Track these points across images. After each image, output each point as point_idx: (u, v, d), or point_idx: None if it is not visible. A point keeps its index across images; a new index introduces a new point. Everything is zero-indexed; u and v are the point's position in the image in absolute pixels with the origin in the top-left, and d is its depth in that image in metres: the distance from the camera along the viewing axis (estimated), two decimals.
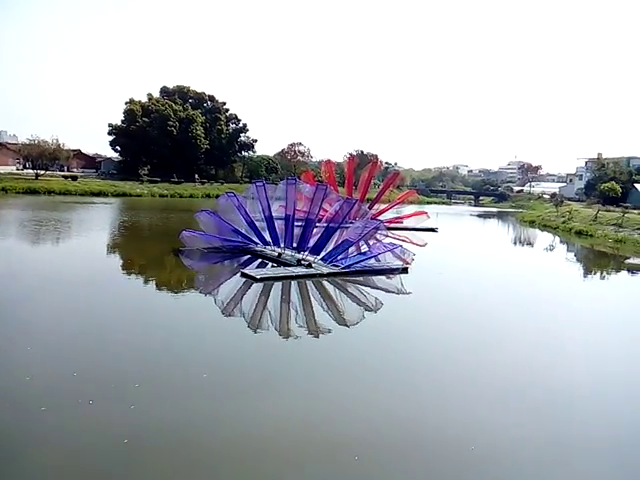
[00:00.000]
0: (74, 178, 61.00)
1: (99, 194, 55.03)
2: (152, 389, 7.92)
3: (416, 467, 6.28)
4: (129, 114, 75.02)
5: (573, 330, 13.39)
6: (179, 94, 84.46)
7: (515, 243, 39.90)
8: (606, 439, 7.22)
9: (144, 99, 78.99)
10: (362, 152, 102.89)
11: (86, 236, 26.12)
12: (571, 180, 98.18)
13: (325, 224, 19.25)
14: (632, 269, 26.21)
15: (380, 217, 31.49)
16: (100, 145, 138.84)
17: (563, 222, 47.66)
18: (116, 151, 79.92)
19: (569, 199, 70.53)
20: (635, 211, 45.49)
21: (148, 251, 22.72)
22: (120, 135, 75.34)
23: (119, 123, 76.26)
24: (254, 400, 7.74)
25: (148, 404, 7.36)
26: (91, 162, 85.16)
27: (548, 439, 7.00)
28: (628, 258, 30.07)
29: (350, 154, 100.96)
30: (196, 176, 78.26)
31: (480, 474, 6.19)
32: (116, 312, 12.13)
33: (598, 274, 24.95)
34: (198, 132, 78.51)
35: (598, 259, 30.77)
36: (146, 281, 16.67)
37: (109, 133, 76.79)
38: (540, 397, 8.44)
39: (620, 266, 27.41)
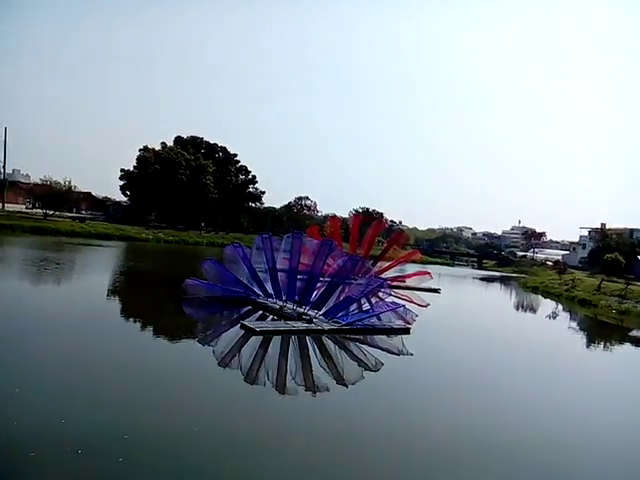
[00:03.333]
0: (82, 220, 61.80)
1: (105, 237, 55.42)
2: (141, 440, 7.68)
3: None
4: (142, 160, 76.89)
5: (575, 398, 13.04)
6: (192, 144, 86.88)
7: (518, 309, 39.56)
8: None
9: (158, 147, 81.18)
10: (367, 209, 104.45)
11: (87, 278, 26.12)
12: (574, 248, 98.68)
13: (328, 279, 19.23)
14: (636, 341, 25.79)
15: (383, 275, 31.44)
16: (110, 189, 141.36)
17: (566, 290, 47.39)
18: (126, 195, 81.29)
19: (572, 267, 70.54)
20: (638, 283, 45.34)
21: (149, 297, 22.62)
22: (131, 180, 76.91)
23: (131, 169, 78.01)
24: (243, 458, 7.47)
25: (136, 456, 7.12)
26: (100, 205, 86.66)
27: None
28: (631, 330, 29.68)
29: (355, 210, 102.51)
30: (202, 224, 79.14)
31: None
32: (109, 357, 11.92)
33: (602, 345, 24.59)
34: (208, 181, 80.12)
35: (602, 330, 30.38)
36: (143, 327, 16.51)
37: (121, 178, 78.43)
38: (543, 464, 8.12)
39: (624, 338, 27.03)
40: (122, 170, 78.30)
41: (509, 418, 10.94)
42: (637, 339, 26.73)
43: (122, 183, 78.49)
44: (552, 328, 28.75)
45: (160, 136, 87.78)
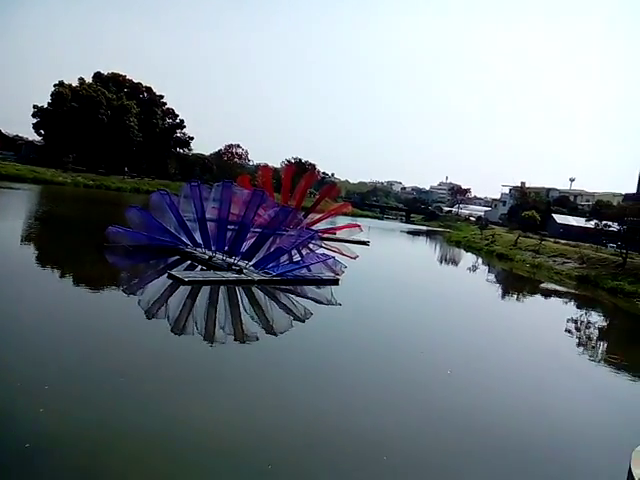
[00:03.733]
0: None
1: (16, 179, 51.15)
2: (63, 391, 7.31)
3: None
4: (57, 97, 70.74)
5: (487, 342, 13.94)
6: (114, 82, 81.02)
7: (441, 262, 41.38)
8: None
9: (75, 83, 74.99)
10: (300, 160, 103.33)
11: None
12: (496, 205, 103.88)
13: (259, 230, 18.94)
14: (545, 294, 27.87)
15: (314, 227, 31.53)
16: (22, 127, 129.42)
17: (486, 245, 50.10)
18: (40, 135, 75.03)
19: (493, 223, 74.42)
20: (551, 239, 48.68)
21: (68, 245, 21.33)
22: (45, 118, 70.85)
23: (45, 105, 71.82)
24: (169, 407, 7.31)
25: (58, 406, 6.78)
26: (11, 144, 79.32)
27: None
28: (542, 283, 32.00)
29: (288, 161, 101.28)
30: (126, 169, 75.17)
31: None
32: (26, 308, 11.18)
33: (514, 296, 26.40)
34: (131, 123, 75.55)
35: (516, 282, 32.54)
36: (62, 277, 15.59)
37: (33, 115, 71.96)
38: (454, 405, 8.62)
39: (535, 290, 29.13)
40: (35, 107, 71.83)
41: (426, 358, 11.56)
42: (546, 291, 28.85)
43: (35, 121, 72.16)
44: (471, 280, 30.38)
45: (77, 71, 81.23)
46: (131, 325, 11.28)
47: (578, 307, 24.53)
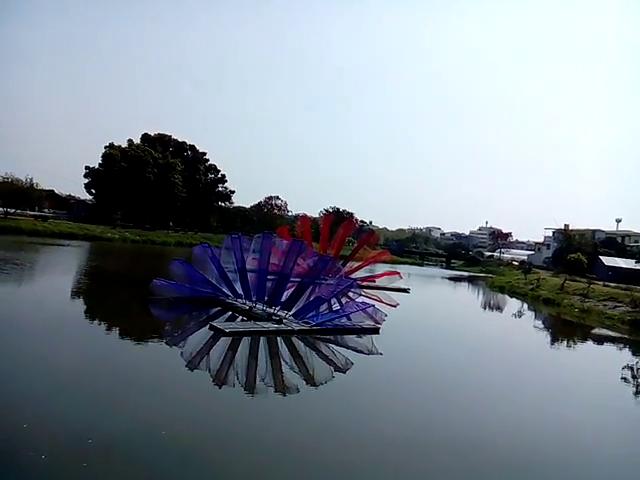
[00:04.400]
0: (44, 219, 59.94)
1: (69, 236, 53.85)
2: (107, 445, 7.45)
3: None
4: (108, 158, 75.14)
5: (541, 394, 13.33)
6: (160, 142, 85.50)
7: (485, 308, 40.32)
8: None
9: (125, 144, 79.49)
10: (338, 209, 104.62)
11: (50, 279, 25.36)
12: (539, 249, 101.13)
13: (298, 279, 19.13)
14: (597, 340, 26.59)
15: (353, 275, 31.53)
16: (75, 187, 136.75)
17: (531, 289, 48.56)
18: (91, 194, 79.31)
19: (537, 267, 72.30)
20: (599, 282, 46.80)
21: (115, 298, 22.08)
22: (96, 178, 75.10)
23: (97, 166, 76.16)
24: (212, 460, 7.33)
25: (102, 461, 6.91)
26: (64, 204, 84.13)
27: None
28: (593, 328, 30.61)
29: (326, 210, 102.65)
30: (170, 223, 77.89)
31: None
32: (74, 360, 11.57)
33: (565, 342, 25.28)
34: (176, 180, 78.91)
35: (565, 328, 31.24)
36: (109, 329, 16.08)
37: (85, 176, 76.54)
38: (509, 460, 8.23)
39: (586, 335, 27.86)
40: (87, 168, 76.42)
41: (478, 412, 11.09)
42: (598, 337, 27.54)
43: (87, 181, 76.63)
44: (518, 327, 29.40)
45: (127, 134, 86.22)
46: (173, 377, 11.42)
47: (634, 354, 23.25)
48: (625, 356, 22.41)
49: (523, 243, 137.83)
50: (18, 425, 7.56)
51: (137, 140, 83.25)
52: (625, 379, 17.04)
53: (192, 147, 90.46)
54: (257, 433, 8.74)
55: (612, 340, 26.08)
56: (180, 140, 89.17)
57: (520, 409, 11.85)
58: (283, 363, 13.58)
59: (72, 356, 11.94)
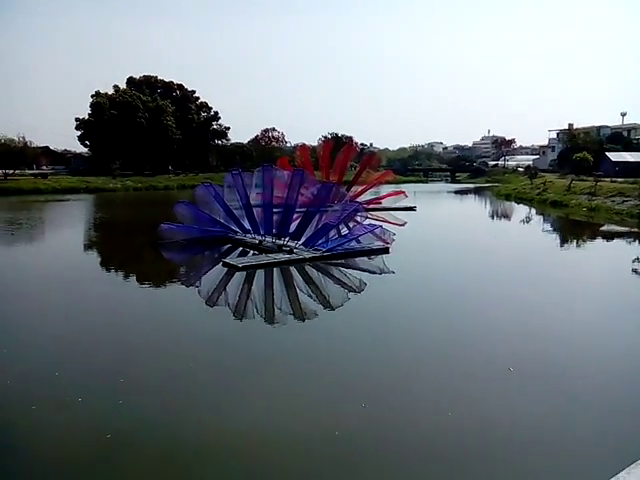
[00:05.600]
0: (44, 176, 59.55)
1: (71, 191, 53.79)
2: (138, 383, 7.82)
3: (409, 458, 6.28)
4: (96, 107, 73.38)
5: (555, 296, 13.59)
6: (146, 84, 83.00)
7: (492, 217, 40.40)
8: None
9: (111, 91, 77.24)
10: (337, 135, 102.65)
11: (61, 234, 25.60)
12: (544, 152, 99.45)
13: (304, 209, 19.14)
14: (606, 236, 26.74)
15: (358, 199, 31.46)
16: (69, 141, 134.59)
17: (538, 194, 48.38)
18: (85, 146, 78.30)
19: (543, 171, 71.50)
20: (607, 179, 46.39)
21: (127, 246, 22.34)
22: (88, 129, 73.80)
23: (86, 117, 74.52)
24: (244, 387, 7.69)
25: (136, 398, 7.27)
26: (60, 159, 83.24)
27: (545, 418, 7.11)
28: (602, 225, 30.71)
29: (325, 137, 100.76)
30: (170, 167, 77.23)
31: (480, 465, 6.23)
32: (96, 308, 11.88)
33: (574, 242, 25.43)
34: (169, 122, 77.35)
35: (574, 228, 31.36)
36: (126, 276, 16.39)
37: (77, 128, 75.18)
38: (531, 363, 8.54)
39: (595, 233, 28.00)
40: (77, 119, 74.82)
41: (492, 323, 11.38)
42: (607, 233, 27.67)
43: (79, 133, 75.29)
44: (526, 232, 29.52)
45: (112, 79, 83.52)
46: (195, 315, 11.73)
47: None
48: (636, 249, 22.56)
49: (527, 148, 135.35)
50: (51, 371, 7.94)
51: (123, 85, 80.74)
52: (636, 271, 17.29)
53: (180, 86, 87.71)
54: (280, 359, 9.07)
55: (621, 235, 26.21)
56: (167, 80, 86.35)
57: (538, 312, 12.12)
58: (299, 291, 13.87)
59: (96, 302, 12.24)
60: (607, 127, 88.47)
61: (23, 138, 60.33)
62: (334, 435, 6.26)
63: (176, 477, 5.54)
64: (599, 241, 25.66)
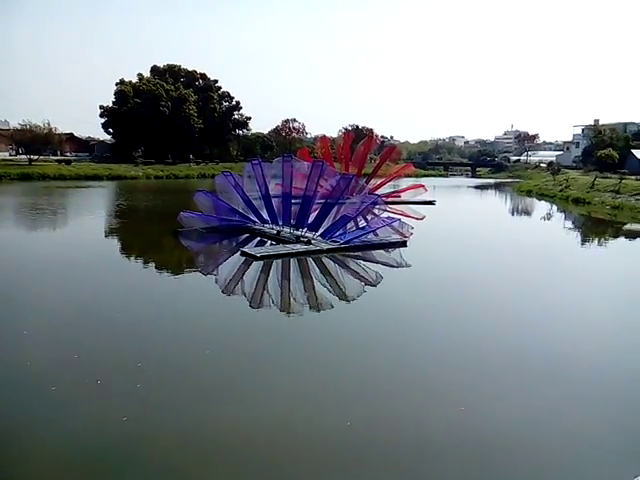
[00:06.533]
0: (68, 162, 60.60)
1: (94, 178, 54.68)
2: (155, 367, 8.03)
3: (423, 452, 6.36)
4: (120, 95, 74.17)
5: (574, 293, 13.49)
6: (170, 73, 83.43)
7: (512, 213, 39.91)
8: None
9: (135, 79, 77.97)
10: (357, 127, 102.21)
11: (83, 220, 26.10)
12: (568, 148, 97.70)
13: (323, 200, 19.20)
14: (629, 235, 26.27)
15: (377, 191, 31.39)
16: (93, 128, 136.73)
17: (560, 190, 47.63)
18: (109, 133, 79.36)
19: (566, 167, 70.35)
20: (632, 177, 45.44)
21: (146, 233, 22.72)
22: (112, 117, 74.67)
23: (110, 105, 75.41)
24: (258, 377, 7.84)
25: (152, 382, 7.47)
26: (84, 146, 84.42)
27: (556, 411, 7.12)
28: (625, 224, 30.16)
29: (345, 129, 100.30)
30: (191, 156, 77.75)
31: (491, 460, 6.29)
32: (116, 294, 12.16)
33: (596, 241, 25.01)
34: (191, 111, 77.79)
35: (595, 226, 30.85)
36: (146, 263, 16.69)
37: (101, 115, 76.12)
38: (545, 360, 8.53)
39: (617, 232, 27.51)
40: (101, 107, 75.73)
41: (508, 321, 11.35)
42: (631, 232, 27.18)
43: (103, 121, 76.25)
44: (547, 229, 29.15)
45: (136, 68, 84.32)
46: (212, 303, 11.94)
47: None
48: None
49: (551, 144, 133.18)
50: (71, 354, 8.20)
51: (147, 74, 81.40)
52: None
53: (203, 75, 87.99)
54: (296, 349, 9.21)
55: None
56: (190, 69, 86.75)
57: (560, 311, 12.06)
58: (315, 282, 13.99)
59: (115, 288, 12.54)
60: (634, 124, 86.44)
61: (48, 124, 61.35)
62: (346, 426, 6.36)
63: (191, 461, 5.70)
64: (621, 240, 25.22)
